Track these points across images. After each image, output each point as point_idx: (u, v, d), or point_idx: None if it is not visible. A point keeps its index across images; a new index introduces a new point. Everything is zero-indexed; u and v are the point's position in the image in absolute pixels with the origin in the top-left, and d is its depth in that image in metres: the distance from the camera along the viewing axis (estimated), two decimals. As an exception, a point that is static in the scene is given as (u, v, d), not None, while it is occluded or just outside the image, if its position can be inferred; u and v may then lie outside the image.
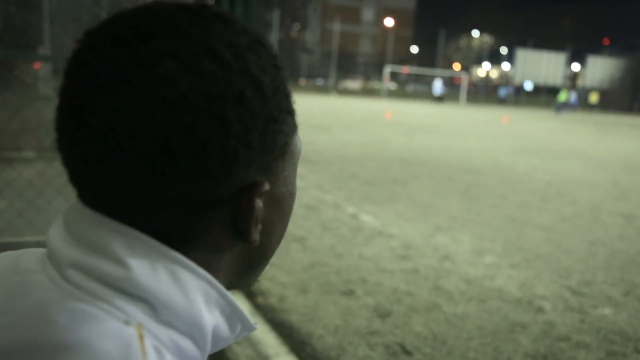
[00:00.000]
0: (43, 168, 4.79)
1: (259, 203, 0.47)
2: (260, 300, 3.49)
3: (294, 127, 0.51)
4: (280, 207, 0.52)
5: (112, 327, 0.42)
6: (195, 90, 0.41)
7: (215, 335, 0.49)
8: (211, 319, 0.47)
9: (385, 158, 10.09)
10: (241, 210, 0.46)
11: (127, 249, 0.44)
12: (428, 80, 52.02)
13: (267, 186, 0.47)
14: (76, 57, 0.43)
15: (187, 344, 0.46)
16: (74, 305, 0.42)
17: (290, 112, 0.50)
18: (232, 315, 0.50)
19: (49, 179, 3.54)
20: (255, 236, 0.48)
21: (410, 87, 54.83)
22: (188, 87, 0.41)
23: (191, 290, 0.45)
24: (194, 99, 0.41)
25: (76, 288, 0.43)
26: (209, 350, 0.49)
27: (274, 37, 46.65)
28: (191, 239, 0.46)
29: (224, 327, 0.49)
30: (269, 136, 0.47)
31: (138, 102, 0.40)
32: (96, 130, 0.40)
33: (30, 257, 0.49)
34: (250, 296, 3.47)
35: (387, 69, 40.88)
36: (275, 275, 3.92)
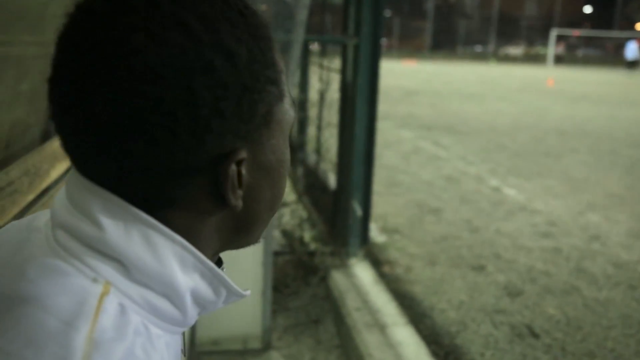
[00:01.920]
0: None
1: (235, 170, 0.48)
2: (386, 269, 3.52)
3: (279, 96, 0.51)
4: (268, 174, 0.53)
5: (76, 283, 0.45)
6: (161, 62, 0.43)
7: (197, 297, 0.51)
8: (188, 281, 0.50)
9: (540, 129, 9.42)
10: (219, 177, 0.48)
11: (104, 211, 0.47)
12: (600, 43, 47.00)
13: (243, 154, 0.48)
14: (62, 29, 0.46)
15: (163, 304, 0.49)
16: (48, 261, 0.46)
17: (274, 82, 0.51)
18: (213, 280, 0.52)
19: None
20: (236, 202, 0.49)
21: (581, 52, 50.09)
22: (155, 59, 0.43)
23: (163, 253, 0.48)
24: (161, 71, 0.43)
25: (60, 247, 0.48)
26: (192, 311, 0.52)
27: (430, 5, 45.27)
28: (171, 204, 0.48)
29: (206, 291, 0.52)
30: (245, 105, 0.47)
31: (109, 74, 0.43)
32: (74, 100, 0.44)
33: (42, 217, 0.54)
34: (377, 265, 3.51)
35: (554, 33, 37.72)
36: (405, 246, 3.91)
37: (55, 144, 2.21)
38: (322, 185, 4.21)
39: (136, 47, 0.43)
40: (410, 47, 42.38)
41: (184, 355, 0.61)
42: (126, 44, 0.43)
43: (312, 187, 4.57)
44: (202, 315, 2.60)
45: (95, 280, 0.45)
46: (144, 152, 0.45)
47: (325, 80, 4.21)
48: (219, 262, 0.61)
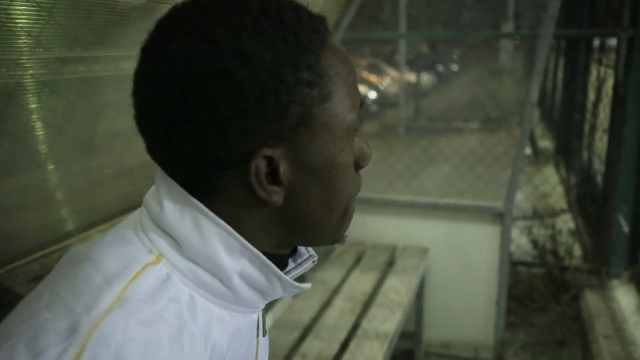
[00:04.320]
0: (485, 138, 5.20)
1: (263, 166, 0.53)
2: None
3: (320, 98, 0.54)
4: (315, 174, 0.55)
5: (132, 251, 0.53)
6: (185, 68, 0.50)
7: (249, 281, 0.57)
8: (234, 264, 0.55)
9: None
10: (248, 172, 0.53)
11: (167, 194, 0.55)
12: None
13: (269, 152, 0.52)
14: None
15: (211, 280, 0.55)
16: (123, 231, 0.56)
17: (311, 84, 0.53)
18: (263, 267, 0.56)
19: (489, 147, 3.89)
20: (269, 197, 0.54)
21: None
22: (180, 65, 0.51)
23: (208, 235, 0.54)
24: (183, 74, 0.50)
25: (139, 221, 0.57)
26: (247, 293, 0.57)
27: None
28: (213, 192, 0.54)
29: (258, 277, 0.57)
30: (270, 106, 0.51)
31: (150, 78, 0.53)
32: (134, 98, 0.56)
33: None
34: (647, 291, 3.00)
35: None
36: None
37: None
38: (591, 194, 3.77)
39: (169, 55, 0.52)
40: None
41: (260, 337, 0.67)
42: (161, 53, 0.53)
43: (583, 197, 4.13)
44: (433, 316, 2.66)
45: (150, 251, 0.54)
46: (179, 144, 0.53)
47: (601, 79, 3.76)
48: (292, 253, 0.66)
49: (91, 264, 0.52)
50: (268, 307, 2.22)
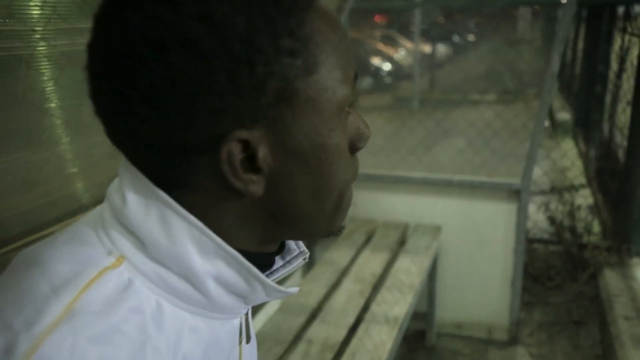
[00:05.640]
0: (501, 110, 5.06)
1: (237, 151, 0.45)
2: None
3: (305, 70, 0.45)
4: (300, 159, 0.47)
5: (87, 252, 0.46)
6: (140, 36, 0.42)
7: (226, 285, 0.49)
8: (208, 267, 0.48)
9: None
10: (220, 159, 0.45)
11: (130, 186, 0.47)
12: None
13: (243, 134, 0.44)
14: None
15: (182, 285, 0.47)
16: (81, 229, 0.49)
17: (293, 53, 0.44)
18: (242, 270, 0.49)
19: (506, 120, 3.76)
20: (246, 187, 0.46)
21: None
22: (134, 32, 0.43)
23: (178, 234, 0.46)
24: (138, 45, 0.43)
25: (100, 217, 0.50)
26: (226, 299, 0.50)
27: None
28: (183, 183, 0.47)
29: (235, 280, 0.49)
30: (244, 81, 0.43)
31: (102, 49, 0.45)
32: (87, 72, 0.47)
33: None
34: (670, 269, 2.90)
35: None
36: None
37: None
38: (612, 169, 3.64)
39: (122, 22, 0.44)
40: None
41: (244, 344, 0.59)
42: (115, 20, 0.44)
43: (603, 172, 4.00)
44: (446, 296, 2.58)
45: (110, 253, 0.46)
46: (139, 127, 0.45)
47: (625, 47, 3.59)
48: (279, 251, 0.58)
49: (38, 268, 0.45)
50: (257, 309, 2.14)
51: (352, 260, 2.31)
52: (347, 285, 2.06)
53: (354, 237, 2.54)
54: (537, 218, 3.48)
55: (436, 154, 4.35)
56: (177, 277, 0.47)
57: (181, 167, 0.46)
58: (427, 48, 9.33)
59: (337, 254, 2.35)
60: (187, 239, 0.47)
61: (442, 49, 10.41)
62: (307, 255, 0.59)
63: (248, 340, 0.60)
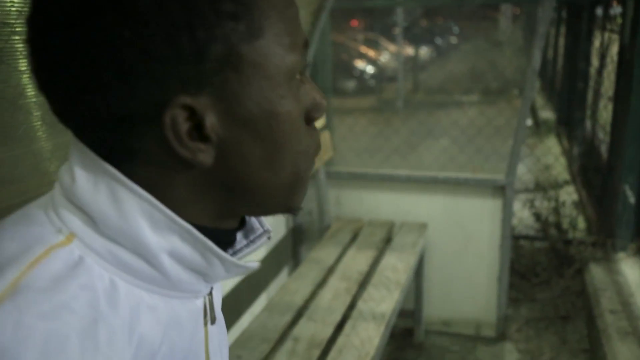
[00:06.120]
0: (485, 110, 5.08)
1: (181, 118, 0.43)
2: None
3: (248, 34, 0.44)
4: (250, 127, 0.46)
5: (36, 231, 0.45)
6: (75, 2, 0.41)
7: (182, 261, 0.48)
8: (162, 242, 0.46)
9: None
10: (164, 126, 0.43)
11: (79, 162, 0.46)
12: None
13: (187, 100, 0.43)
14: None
15: (136, 262, 0.46)
16: (31, 209, 0.48)
17: (235, 16, 0.43)
18: (197, 244, 0.48)
19: (489, 118, 3.77)
20: (193, 156, 0.45)
21: None
22: None
23: (128, 209, 0.45)
24: (71, 8, 0.41)
25: (52, 199, 0.48)
26: (184, 276, 0.49)
27: None
28: (132, 156, 0.46)
29: (191, 256, 0.48)
30: (185, 45, 0.42)
31: (42, 19, 0.43)
32: (27, 45, 0.45)
33: None
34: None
35: None
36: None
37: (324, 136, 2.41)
38: (595, 165, 3.67)
39: None
40: None
41: (210, 325, 0.57)
42: None
43: (586, 168, 4.03)
44: (433, 293, 2.55)
45: (59, 231, 0.45)
46: (79, 99, 0.43)
47: (605, 45, 3.63)
48: (240, 228, 0.56)
49: None
50: (243, 308, 2.11)
51: (338, 259, 2.29)
52: (334, 283, 2.05)
53: (340, 236, 2.52)
54: (523, 215, 3.49)
55: (420, 153, 4.35)
56: (130, 254, 0.46)
57: (128, 139, 0.45)
58: (410, 50, 9.38)
59: (323, 253, 2.34)
60: (138, 214, 0.45)
61: (425, 51, 10.47)
62: (271, 233, 0.58)
63: (213, 322, 0.57)
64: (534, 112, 6.93)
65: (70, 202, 0.46)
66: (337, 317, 1.80)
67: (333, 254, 2.33)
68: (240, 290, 2.19)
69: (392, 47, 9.70)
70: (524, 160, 4.25)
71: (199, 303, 0.54)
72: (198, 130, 0.45)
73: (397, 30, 7.74)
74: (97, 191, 0.45)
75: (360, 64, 9.37)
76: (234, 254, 0.55)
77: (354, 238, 2.52)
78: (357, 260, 2.25)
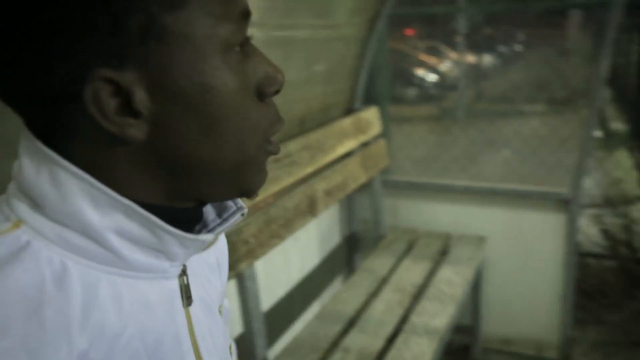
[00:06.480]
0: (549, 119, 4.91)
1: (103, 92, 0.43)
2: None
3: (171, 4, 0.43)
4: (184, 100, 0.45)
5: None
6: None
7: (132, 239, 0.47)
8: (106, 221, 0.46)
9: None
10: (86, 100, 0.43)
11: (24, 148, 0.47)
12: None
13: (109, 73, 0.42)
14: None
15: (85, 243, 0.46)
16: None
17: None
18: (144, 221, 0.47)
19: (554, 129, 3.63)
20: (121, 130, 0.44)
21: None
22: None
23: (68, 190, 0.45)
24: None
25: (7, 191, 0.49)
26: (138, 255, 0.48)
27: None
28: (69, 135, 0.45)
29: (139, 233, 0.47)
30: (100, 16, 0.41)
31: None
32: None
33: None
34: None
35: None
36: None
37: (345, 123, 2.37)
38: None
39: None
40: None
41: (192, 307, 0.56)
42: None
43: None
44: (492, 309, 2.44)
45: (7, 218, 0.46)
46: (7, 78, 0.44)
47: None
48: (201, 206, 0.54)
49: None
50: (295, 315, 2.07)
51: (392, 269, 2.24)
52: (387, 294, 1.99)
53: (395, 246, 2.47)
54: (590, 232, 3.31)
55: (480, 163, 4.22)
56: (79, 236, 0.45)
57: (60, 116, 0.45)
58: (472, 58, 9.19)
59: (377, 263, 2.29)
60: (77, 194, 0.45)
61: (488, 59, 10.23)
62: (245, 210, 0.57)
63: (189, 303, 0.55)
64: (604, 123, 6.62)
65: (19, 190, 0.47)
66: (388, 329, 1.75)
67: (387, 264, 2.28)
68: (293, 297, 2.17)
69: (453, 55, 9.54)
70: (591, 174, 4.04)
71: (172, 285, 0.53)
72: (129, 106, 0.44)
73: (458, 38, 7.59)
74: (39, 175, 0.45)
75: (420, 71, 9.24)
76: (208, 232, 0.54)
77: (409, 249, 2.46)
78: (411, 272, 2.19)
